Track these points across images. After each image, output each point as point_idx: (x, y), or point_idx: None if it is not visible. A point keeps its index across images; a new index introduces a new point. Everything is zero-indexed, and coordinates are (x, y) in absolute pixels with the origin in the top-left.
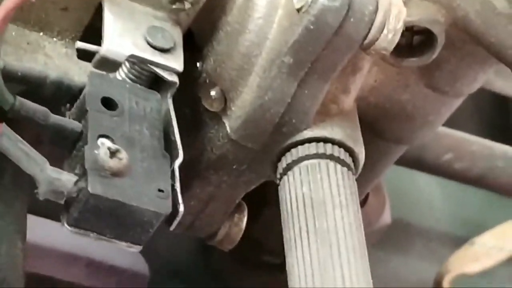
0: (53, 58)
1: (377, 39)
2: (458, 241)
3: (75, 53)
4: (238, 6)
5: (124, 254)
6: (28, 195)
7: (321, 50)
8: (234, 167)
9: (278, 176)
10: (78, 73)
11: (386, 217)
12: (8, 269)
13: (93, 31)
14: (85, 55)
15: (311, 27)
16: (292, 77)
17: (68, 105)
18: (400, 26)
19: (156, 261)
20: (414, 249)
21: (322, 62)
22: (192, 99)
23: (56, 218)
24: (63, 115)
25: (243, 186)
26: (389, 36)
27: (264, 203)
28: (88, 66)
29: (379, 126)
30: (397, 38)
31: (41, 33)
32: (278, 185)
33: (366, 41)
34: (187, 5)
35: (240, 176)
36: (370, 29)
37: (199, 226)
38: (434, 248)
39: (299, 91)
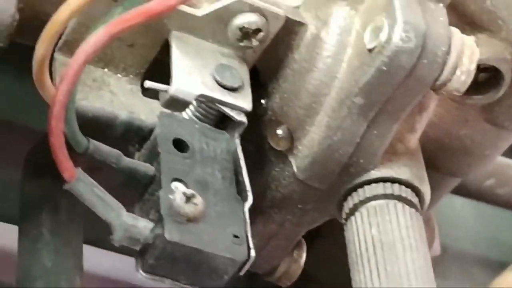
0: (118, 95)
1: (449, 80)
2: (495, 265)
3: (139, 90)
4: (306, 44)
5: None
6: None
7: (392, 91)
8: (299, 206)
9: (344, 216)
10: (144, 110)
11: (436, 248)
12: None
13: (156, 66)
14: (150, 92)
15: (384, 68)
16: (362, 118)
17: (136, 145)
18: (473, 67)
19: None
20: (451, 273)
21: (393, 103)
22: (256, 136)
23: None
24: (131, 154)
25: (306, 225)
26: (462, 77)
27: (317, 234)
28: (153, 103)
29: (436, 160)
30: (470, 80)
31: (106, 69)
32: (344, 224)
33: (438, 83)
34: (255, 43)
35: (304, 215)
36: (442, 70)
37: (259, 263)
38: (471, 271)
39: (369, 131)
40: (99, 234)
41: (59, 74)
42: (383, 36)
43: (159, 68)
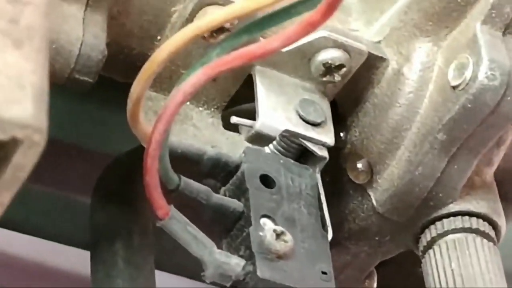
0: (201, 129)
1: None
2: None
3: (220, 123)
4: (387, 79)
5: None
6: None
7: (475, 128)
8: (376, 238)
9: (422, 248)
10: (226, 143)
11: None
12: None
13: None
14: (230, 125)
15: (469, 105)
16: (443, 153)
17: (221, 179)
18: None
19: None
20: None
21: (475, 139)
22: (334, 168)
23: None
24: (215, 189)
25: (381, 256)
26: None
27: (383, 261)
28: (234, 136)
29: (503, 189)
30: None
31: (188, 103)
32: (421, 257)
33: None
34: (337, 78)
35: (380, 247)
36: None
37: None
38: None
39: (449, 166)
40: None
41: (143, 108)
42: (468, 74)
43: (235, 100)
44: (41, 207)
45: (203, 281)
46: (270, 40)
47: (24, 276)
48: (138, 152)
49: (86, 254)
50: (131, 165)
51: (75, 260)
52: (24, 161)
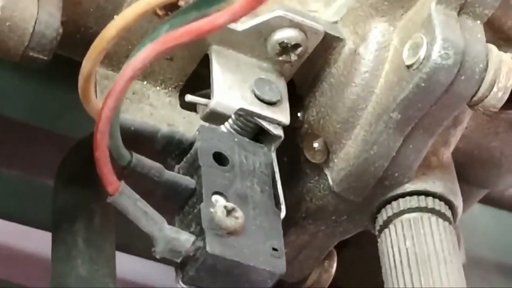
0: (157, 108)
1: (486, 96)
2: None
3: (177, 102)
4: (343, 59)
5: None
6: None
7: (429, 107)
8: (333, 217)
9: (378, 228)
10: (182, 122)
11: (462, 256)
12: None
13: (191, 78)
14: (187, 105)
15: (423, 84)
16: (398, 132)
17: (175, 157)
18: (510, 84)
19: None
20: (470, 280)
21: (429, 118)
22: (291, 148)
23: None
24: (170, 167)
25: (338, 236)
26: (499, 94)
27: (344, 243)
28: (190, 115)
29: (465, 171)
30: (506, 96)
31: (145, 82)
32: (377, 236)
33: (475, 99)
34: (294, 57)
35: (337, 226)
36: (479, 87)
37: (290, 272)
38: (490, 278)
39: (404, 145)
40: (124, 239)
41: (100, 86)
42: (422, 53)
43: (194, 80)
44: (9, 190)
45: (167, 264)
46: (217, 15)
47: None
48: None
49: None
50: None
51: (41, 243)
52: None
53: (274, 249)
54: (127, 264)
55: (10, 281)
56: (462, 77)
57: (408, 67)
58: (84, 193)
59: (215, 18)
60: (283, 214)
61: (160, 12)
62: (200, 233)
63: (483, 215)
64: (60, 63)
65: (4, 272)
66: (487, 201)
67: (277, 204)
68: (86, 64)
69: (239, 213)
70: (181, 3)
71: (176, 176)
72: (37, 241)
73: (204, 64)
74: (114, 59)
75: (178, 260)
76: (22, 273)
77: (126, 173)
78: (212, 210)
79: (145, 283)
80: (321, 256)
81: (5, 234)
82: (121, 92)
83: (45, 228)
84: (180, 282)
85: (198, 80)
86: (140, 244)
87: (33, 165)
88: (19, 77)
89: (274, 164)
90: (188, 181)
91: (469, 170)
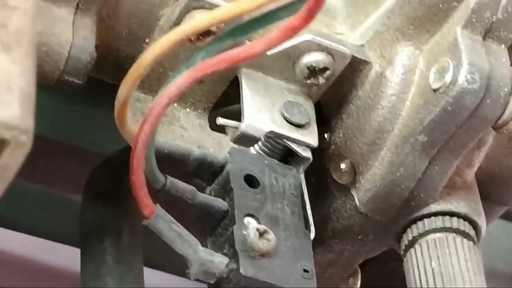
0: (188, 130)
1: (511, 119)
2: None
3: (207, 124)
4: (370, 82)
5: None
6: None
7: (455, 130)
8: (359, 237)
9: (403, 247)
10: (212, 144)
11: None
12: None
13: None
14: (217, 126)
15: (449, 108)
16: (424, 154)
17: (206, 179)
18: None
19: None
20: None
21: (455, 141)
22: (318, 169)
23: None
24: (201, 188)
25: (364, 254)
26: None
27: (367, 260)
28: (220, 137)
29: (486, 189)
30: None
31: (176, 104)
32: (403, 255)
33: (500, 122)
34: (321, 80)
35: (363, 246)
36: (504, 110)
37: None
38: None
39: (430, 167)
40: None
41: (132, 108)
42: (448, 77)
43: (223, 101)
44: (34, 205)
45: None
46: (254, 44)
47: (17, 274)
48: (128, 152)
49: (78, 251)
50: (121, 164)
51: (67, 257)
52: (11, 161)
53: (305, 270)
54: (150, 279)
55: None
56: (488, 101)
57: (435, 90)
58: (111, 210)
59: (251, 46)
60: (312, 235)
61: (192, 37)
62: (233, 255)
63: (498, 228)
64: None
65: (30, 286)
66: (504, 215)
67: (307, 225)
68: (123, 89)
69: (271, 235)
70: (213, 28)
71: (209, 198)
72: (61, 255)
73: (230, 83)
74: (146, 81)
75: (212, 282)
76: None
77: (160, 196)
78: (245, 232)
79: None
80: (345, 274)
81: (30, 249)
82: (157, 118)
83: (69, 242)
84: None
85: (223, 98)
86: (161, 258)
87: (56, 180)
88: (42, 92)
89: (303, 185)
90: (221, 203)
91: (490, 188)
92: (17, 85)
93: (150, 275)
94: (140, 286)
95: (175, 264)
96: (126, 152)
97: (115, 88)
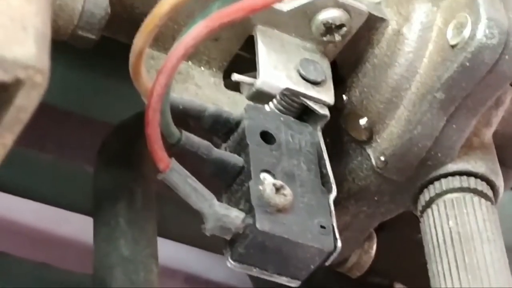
0: (202, 88)
1: None
2: None
3: (221, 82)
4: (386, 39)
5: (223, 269)
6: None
7: (473, 87)
8: (375, 198)
9: (420, 208)
10: (227, 102)
11: None
12: None
13: (234, 61)
14: (231, 85)
15: (467, 64)
16: (442, 112)
17: (222, 136)
18: None
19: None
20: None
21: (473, 98)
22: (334, 128)
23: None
24: (216, 145)
25: (380, 217)
26: None
27: (380, 228)
28: (235, 96)
29: (502, 154)
30: None
31: (190, 62)
32: (419, 216)
33: None
34: (338, 38)
35: (379, 207)
36: None
37: None
38: None
39: (448, 125)
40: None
41: (146, 66)
42: (466, 33)
43: (238, 63)
44: (46, 174)
45: (204, 249)
46: None
47: (29, 242)
48: (140, 117)
49: (90, 221)
50: (135, 129)
51: (79, 227)
52: (26, 102)
53: (322, 226)
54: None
55: (49, 264)
56: (506, 57)
57: (453, 46)
58: (125, 174)
59: None
60: (334, 193)
61: None
62: (249, 210)
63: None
64: (94, 47)
65: (42, 256)
66: None
67: (326, 183)
68: (138, 41)
69: (287, 191)
70: None
71: (224, 154)
72: (73, 225)
73: (247, 47)
74: (160, 39)
75: (228, 238)
76: (61, 257)
77: (175, 150)
78: (261, 187)
79: (176, 266)
80: (361, 237)
81: (42, 218)
82: (173, 69)
83: (81, 211)
84: (230, 259)
85: (241, 64)
86: (171, 227)
87: (67, 148)
88: (55, 61)
89: (321, 143)
90: (236, 159)
91: (507, 153)
92: (32, 24)
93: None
94: (153, 249)
95: (185, 234)
96: (139, 117)
97: (128, 56)
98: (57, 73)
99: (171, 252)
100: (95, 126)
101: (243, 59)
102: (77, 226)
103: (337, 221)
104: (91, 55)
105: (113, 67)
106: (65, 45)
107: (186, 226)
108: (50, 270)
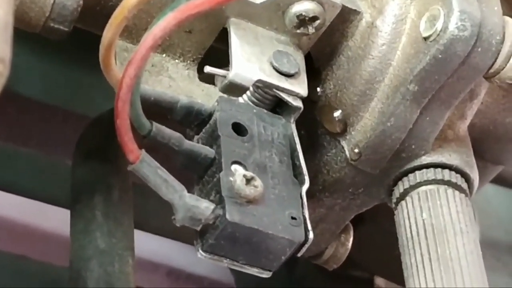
0: (176, 80)
1: (502, 68)
2: None
3: (196, 75)
4: (360, 32)
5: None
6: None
7: (446, 79)
8: (349, 190)
9: (394, 200)
10: (201, 94)
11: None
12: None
13: (209, 52)
14: (206, 77)
15: (439, 56)
16: (415, 104)
17: (194, 128)
18: None
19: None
20: (484, 261)
21: (446, 90)
22: (308, 121)
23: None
24: (189, 137)
25: (355, 209)
26: None
27: (359, 220)
28: (209, 88)
29: (480, 147)
30: None
31: (164, 55)
32: (394, 208)
33: (491, 71)
34: (311, 30)
35: (354, 199)
36: (496, 58)
37: None
38: (504, 259)
39: (421, 117)
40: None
41: (119, 58)
42: (439, 25)
43: (212, 56)
44: (27, 168)
45: (182, 241)
46: None
47: (10, 236)
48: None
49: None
50: (112, 123)
51: (59, 220)
52: None
53: (293, 217)
54: (142, 242)
55: (28, 257)
56: (479, 49)
57: (425, 39)
58: (102, 167)
59: None
60: (307, 184)
61: None
62: (219, 202)
63: (497, 196)
64: (75, 41)
65: (22, 249)
66: (502, 181)
67: (299, 175)
68: (107, 33)
69: (258, 182)
70: None
71: (196, 145)
72: (54, 218)
73: (222, 39)
74: (133, 31)
75: (198, 228)
76: (40, 250)
77: (146, 142)
78: (231, 178)
79: (160, 261)
80: (337, 230)
81: (23, 211)
82: (142, 60)
83: (61, 205)
84: (200, 250)
85: (215, 56)
86: (153, 221)
87: (48, 142)
88: (35, 56)
89: (294, 135)
90: (208, 151)
91: (485, 146)
92: None
93: (141, 238)
94: (130, 242)
95: (167, 227)
96: None
97: None
98: (39, 67)
99: (154, 246)
100: (77, 120)
101: (219, 52)
102: (58, 220)
103: (312, 213)
104: (72, 49)
105: (94, 60)
106: (45, 40)
107: (168, 220)
108: (29, 263)
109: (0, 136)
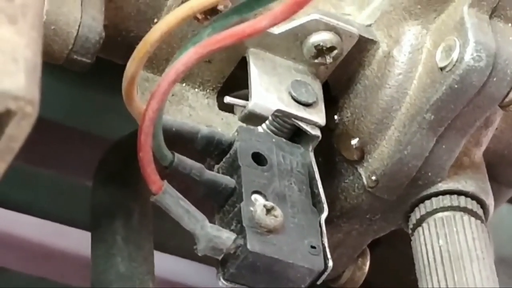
0: (196, 109)
1: None
2: None
3: (215, 104)
4: (377, 61)
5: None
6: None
7: (462, 108)
8: (367, 216)
9: (411, 226)
10: (220, 123)
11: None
12: None
13: (228, 80)
14: (225, 106)
15: (455, 86)
16: (431, 133)
17: (215, 157)
18: None
19: None
20: (498, 278)
21: (462, 119)
22: (326, 148)
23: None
24: (209, 166)
25: (372, 234)
26: None
27: (376, 242)
28: (228, 117)
29: (494, 171)
30: None
31: (184, 84)
32: (410, 234)
33: (506, 100)
34: (329, 60)
35: (371, 225)
36: (511, 88)
37: None
38: None
39: (437, 146)
40: (159, 238)
41: (140, 88)
42: (455, 55)
43: (231, 81)
44: (46, 190)
45: (202, 262)
46: (259, 19)
47: (29, 258)
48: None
49: (89, 235)
50: (131, 147)
51: (79, 241)
52: (17, 132)
53: (312, 246)
54: (161, 263)
55: (48, 279)
56: (494, 79)
57: (441, 69)
58: (122, 192)
59: (257, 22)
60: (325, 212)
61: (199, 16)
62: (240, 231)
63: (509, 214)
64: (95, 64)
65: (41, 270)
66: None
67: (318, 203)
68: (130, 67)
69: (278, 212)
70: (220, 7)
71: (216, 175)
72: (72, 239)
73: (240, 66)
74: (154, 62)
75: (219, 258)
76: (60, 271)
77: (168, 173)
78: (252, 208)
79: (179, 282)
80: (354, 254)
81: (42, 233)
82: (164, 94)
83: (80, 226)
84: (221, 279)
85: (234, 81)
86: (174, 242)
87: (68, 164)
88: (55, 79)
89: (313, 164)
90: (228, 181)
91: (499, 170)
92: (23, 56)
93: (161, 259)
94: (150, 266)
95: (187, 249)
96: (136, 135)
97: None
98: (59, 90)
99: (171, 266)
100: (96, 142)
101: (238, 77)
102: (77, 241)
103: (330, 238)
104: (92, 73)
105: (114, 83)
106: None
107: (185, 240)
108: (48, 285)
109: (19, 157)
